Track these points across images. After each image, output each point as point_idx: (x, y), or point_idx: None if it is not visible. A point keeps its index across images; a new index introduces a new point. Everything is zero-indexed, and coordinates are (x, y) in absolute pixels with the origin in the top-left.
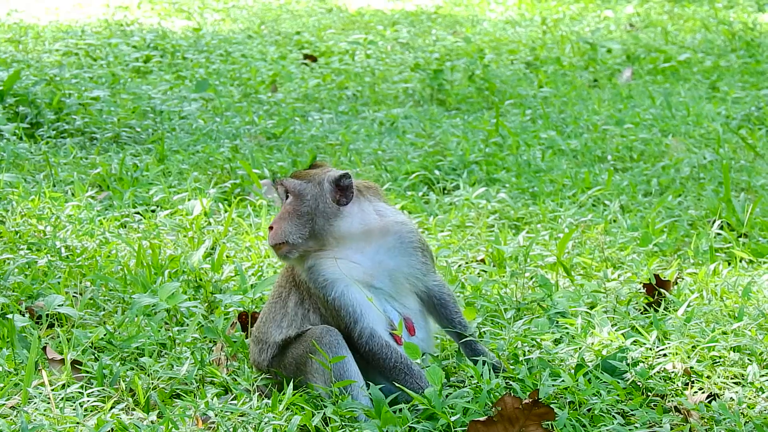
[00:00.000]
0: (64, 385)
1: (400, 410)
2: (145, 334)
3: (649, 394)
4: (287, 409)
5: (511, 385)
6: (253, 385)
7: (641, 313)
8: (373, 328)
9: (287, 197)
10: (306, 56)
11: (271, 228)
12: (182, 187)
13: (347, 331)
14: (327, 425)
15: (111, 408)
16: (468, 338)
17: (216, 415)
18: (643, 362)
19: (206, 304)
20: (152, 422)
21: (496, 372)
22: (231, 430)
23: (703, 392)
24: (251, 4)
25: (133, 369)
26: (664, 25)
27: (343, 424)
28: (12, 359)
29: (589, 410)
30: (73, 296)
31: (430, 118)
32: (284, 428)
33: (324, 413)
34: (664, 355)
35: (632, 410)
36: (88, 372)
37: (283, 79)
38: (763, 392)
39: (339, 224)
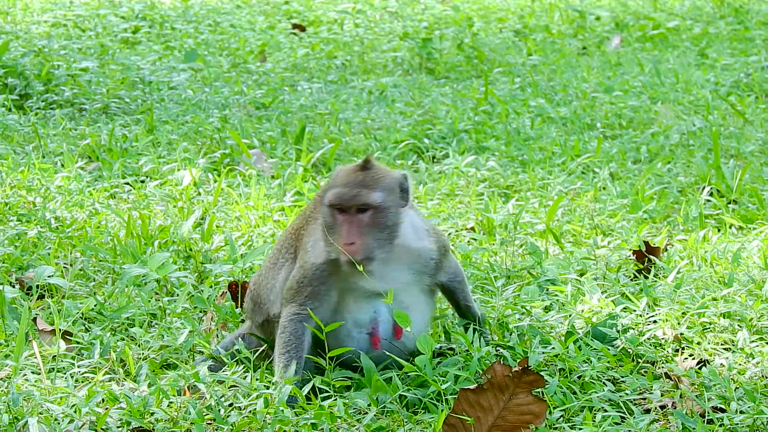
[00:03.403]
0: (54, 357)
1: (390, 379)
2: (136, 304)
3: (639, 360)
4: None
5: (501, 352)
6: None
7: (631, 279)
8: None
9: (359, 212)
10: (295, 26)
11: (352, 243)
12: (171, 157)
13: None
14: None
15: (101, 378)
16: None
17: (207, 386)
18: (633, 329)
19: (196, 274)
20: (143, 392)
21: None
22: (221, 400)
23: (693, 358)
24: None
25: (123, 339)
26: None
27: (331, 393)
28: (2, 330)
29: (579, 377)
30: (63, 267)
31: (419, 87)
32: (274, 398)
33: (313, 383)
34: (654, 321)
35: (622, 377)
36: (78, 343)
37: (272, 49)
38: (753, 358)
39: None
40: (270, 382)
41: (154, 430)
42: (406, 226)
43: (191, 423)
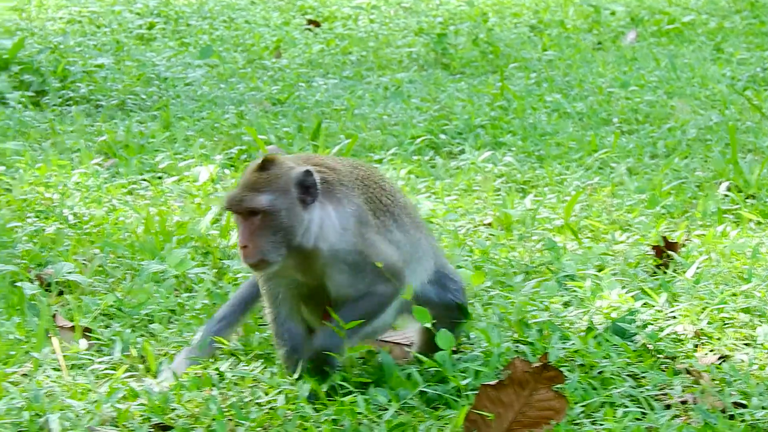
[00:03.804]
0: (74, 353)
1: (410, 374)
2: (155, 300)
3: (659, 356)
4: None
5: (520, 348)
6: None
7: (650, 275)
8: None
9: (250, 215)
10: (309, 21)
11: (244, 246)
12: (188, 153)
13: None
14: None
15: (122, 375)
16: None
17: (228, 382)
18: (653, 324)
19: (215, 270)
20: (163, 389)
21: None
22: (242, 395)
23: (714, 354)
24: None
25: (143, 336)
26: None
27: (351, 390)
28: (22, 327)
29: (599, 373)
30: (82, 263)
31: (435, 83)
32: (294, 393)
33: (332, 380)
34: (674, 317)
35: (643, 372)
36: (98, 339)
37: (287, 45)
38: None
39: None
40: (291, 377)
41: (174, 426)
42: (314, 226)
43: (212, 419)
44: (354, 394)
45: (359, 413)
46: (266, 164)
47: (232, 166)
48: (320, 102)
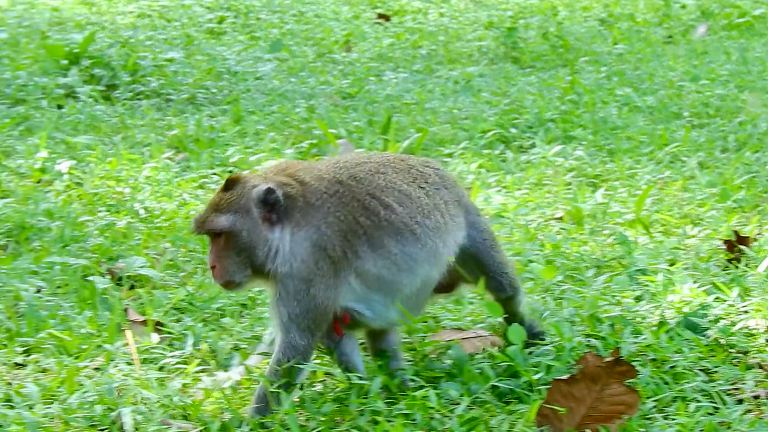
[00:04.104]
0: (146, 347)
1: (481, 369)
2: (226, 294)
3: (731, 350)
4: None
5: (592, 343)
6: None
7: (722, 269)
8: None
9: (215, 236)
10: (379, 15)
11: (213, 267)
12: (259, 147)
13: None
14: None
15: (194, 369)
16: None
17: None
18: (725, 319)
19: None
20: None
21: None
22: (314, 390)
23: None
24: None
25: (214, 330)
26: None
27: (423, 384)
28: (94, 321)
29: (671, 367)
30: (153, 258)
31: (505, 76)
32: (366, 388)
33: (401, 376)
34: (746, 311)
35: (715, 367)
36: (170, 333)
37: (356, 39)
38: None
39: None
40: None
41: (246, 420)
42: (275, 248)
43: (284, 413)
44: (426, 389)
45: (431, 408)
46: (230, 184)
47: (302, 159)
48: (390, 96)
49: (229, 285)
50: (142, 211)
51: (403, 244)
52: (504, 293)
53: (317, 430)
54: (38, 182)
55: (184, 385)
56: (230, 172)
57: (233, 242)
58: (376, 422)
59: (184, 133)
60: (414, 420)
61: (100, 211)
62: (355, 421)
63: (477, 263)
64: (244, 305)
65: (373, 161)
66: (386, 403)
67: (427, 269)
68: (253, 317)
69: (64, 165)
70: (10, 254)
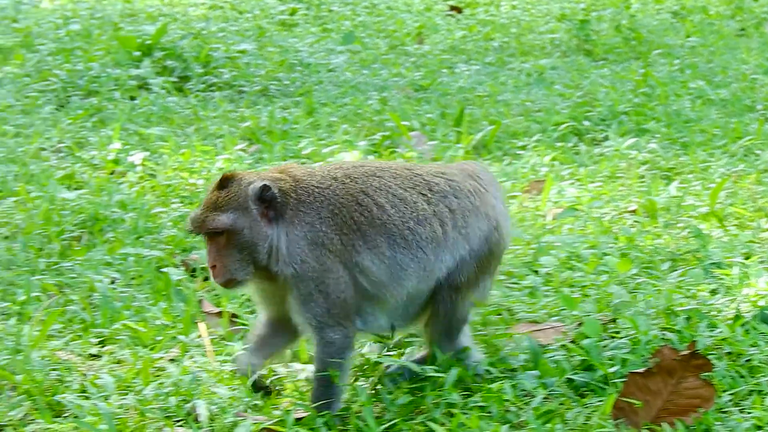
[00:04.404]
0: (221, 338)
1: (557, 362)
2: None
3: None
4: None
5: (668, 336)
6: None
7: None
8: None
9: (215, 235)
10: (451, 7)
11: (213, 267)
12: (332, 139)
13: None
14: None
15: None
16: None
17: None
18: None
19: None
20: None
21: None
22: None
23: None
24: None
25: None
26: None
27: (498, 376)
28: (169, 312)
29: (747, 361)
30: None
31: (578, 69)
32: (441, 380)
33: (476, 367)
34: None
35: None
36: (244, 325)
37: (429, 31)
38: None
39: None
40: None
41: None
42: (275, 245)
43: (360, 405)
44: (501, 381)
45: (506, 400)
46: (225, 182)
47: (375, 152)
48: (463, 88)
49: (230, 283)
50: None
51: (394, 249)
52: (433, 307)
53: (392, 422)
54: (112, 173)
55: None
56: (303, 163)
57: (234, 240)
58: (452, 414)
59: (257, 125)
60: (489, 412)
61: (173, 203)
62: (430, 413)
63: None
64: None
65: (372, 165)
66: (462, 395)
67: (414, 282)
68: None
69: (137, 156)
70: (84, 246)
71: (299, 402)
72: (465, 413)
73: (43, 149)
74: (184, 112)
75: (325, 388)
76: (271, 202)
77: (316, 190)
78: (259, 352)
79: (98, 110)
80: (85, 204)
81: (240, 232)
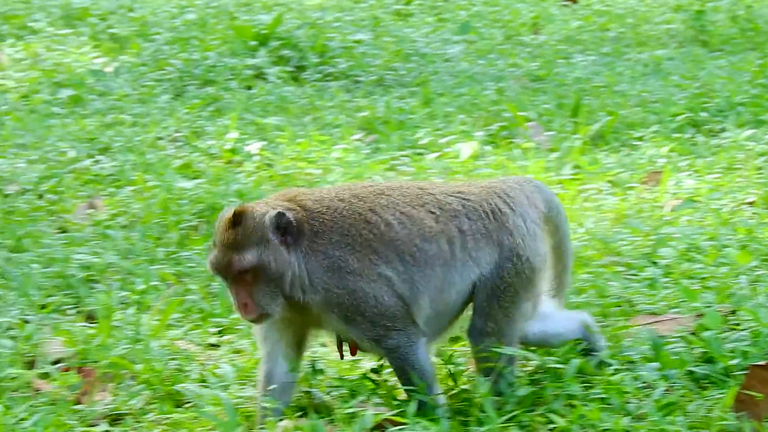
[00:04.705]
0: None
1: (677, 354)
2: None
3: None
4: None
5: None
6: None
7: None
8: None
9: (241, 274)
10: None
11: (244, 305)
12: (448, 129)
13: None
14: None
15: None
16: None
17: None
18: None
19: None
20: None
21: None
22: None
23: None
24: None
25: None
26: None
27: (618, 368)
28: None
29: None
30: None
31: (694, 60)
32: (561, 372)
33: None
34: None
35: None
36: None
37: (544, 21)
38: None
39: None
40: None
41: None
42: (296, 272)
43: (480, 396)
44: (622, 373)
45: (627, 392)
46: (238, 218)
47: (492, 142)
48: (579, 79)
49: (262, 318)
50: None
51: (405, 266)
52: (472, 343)
53: (513, 413)
54: (229, 163)
55: (380, 367)
56: (420, 154)
57: (262, 275)
58: (572, 406)
59: (374, 115)
60: (610, 404)
61: None
62: (550, 405)
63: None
64: None
65: (381, 186)
66: (582, 387)
67: (426, 302)
68: None
69: (254, 146)
70: (202, 235)
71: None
72: (585, 405)
73: (160, 138)
74: (301, 101)
75: (416, 393)
76: (287, 229)
77: (324, 217)
78: (284, 393)
79: (215, 100)
80: (202, 193)
81: (267, 266)
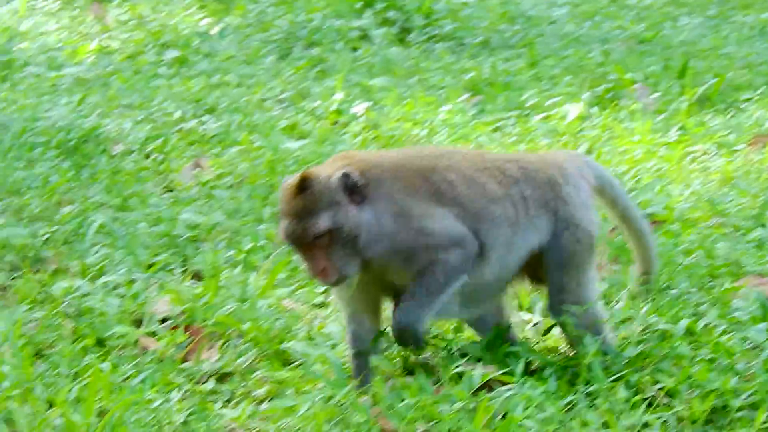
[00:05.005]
0: None
1: None
2: None
3: None
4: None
5: None
6: None
7: None
8: None
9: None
10: None
11: (322, 271)
12: (554, 91)
13: None
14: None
15: None
16: None
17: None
18: None
19: None
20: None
21: None
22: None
23: None
24: None
25: None
26: None
27: (726, 329)
28: None
29: None
30: None
31: None
32: (669, 333)
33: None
34: None
35: None
36: None
37: None
38: None
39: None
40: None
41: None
42: (371, 230)
43: (589, 356)
44: (730, 334)
45: (734, 353)
46: (304, 184)
47: (599, 104)
48: (685, 41)
49: (340, 281)
50: None
51: (471, 221)
52: (555, 317)
53: (620, 373)
54: (334, 124)
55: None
56: (526, 115)
57: (337, 237)
58: (680, 366)
59: (479, 76)
60: (718, 364)
61: None
62: (658, 365)
63: (546, 276)
64: None
65: (443, 150)
66: (690, 347)
67: (500, 255)
68: None
69: (359, 107)
70: None
71: (527, 351)
72: (693, 365)
73: (266, 99)
74: (406, 63)
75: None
76: (354, 188)
77: (387, 170)
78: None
79: (320, 61)
80: (308, 154)
81: (342, 227)
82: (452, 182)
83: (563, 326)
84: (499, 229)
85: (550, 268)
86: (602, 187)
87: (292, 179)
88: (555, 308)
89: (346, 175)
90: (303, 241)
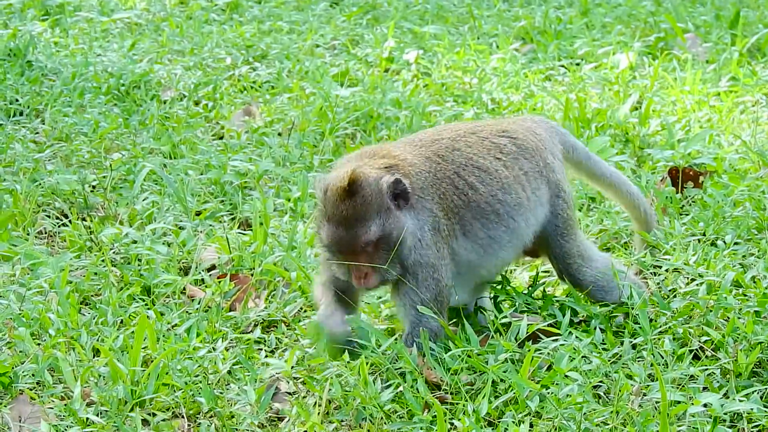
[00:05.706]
0: None
1: None
2: None
3: None
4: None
5: None
6: None
7: None
8: None
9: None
10: None
11: (364, 274)
12: (605, 40)
13: None
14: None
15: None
16: None
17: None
18: None
19: (635, 158)
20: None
21: None
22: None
23: None
24: None
25: None
26: None
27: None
28: None
29: None
30: None
31: None
32: (716, 285)
33: (745, 270)
34: None
35: None
36: None
37: None
38: None
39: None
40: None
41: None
42: (413, 236)
43: (637, 307)
44: None
45: None
46: (353, 187)
47: (650, 53)
48: None
49: (379, 285)
50: (489, 102)
51: (488, 227)
52: (573, 284)
53: (667, 325)
54: (386, 71)
55: (531, 278)
56: (577, 64)
57: (385, 243)
58: (726, 319)
59: (531, 25)
60: (765, 317)
61: (447, 101)
62: (705, 316)
63: (546, 247)
64: (592, 198)
65: (444, 137)
66: (737, 299)
67: (508, 252)
68: (601, 211)
69: (411, 54)
70: (358, 143)
71: (570, 303)
72: (740, 318)
73: (318, 46)
74: (459, 10)
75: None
76: (401, 194)
77: (425, 174)
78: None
79: (372, 8)
80: (359, 101)
81: (391, 234)
82: (474, 185)
83: (585, 292)
84: (515, 219)
85: (551, 237)
86: (567, 152)
87: (337, 179)
88: (570, 278)
89: (397, 181)
90: (354, 250)
